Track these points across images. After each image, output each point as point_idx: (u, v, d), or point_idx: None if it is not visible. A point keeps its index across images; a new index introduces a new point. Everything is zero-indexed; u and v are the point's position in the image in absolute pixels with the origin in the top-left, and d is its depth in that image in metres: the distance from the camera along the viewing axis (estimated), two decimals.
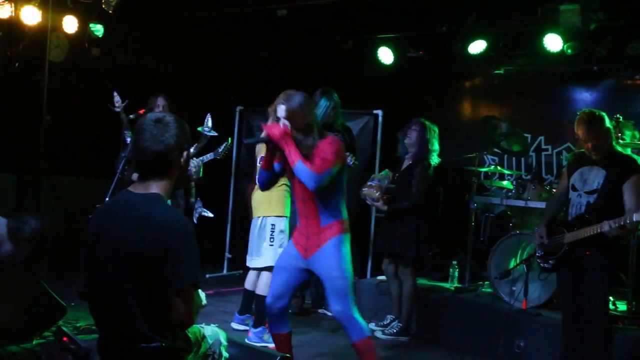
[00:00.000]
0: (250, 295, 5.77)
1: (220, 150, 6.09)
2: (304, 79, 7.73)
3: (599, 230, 4.38)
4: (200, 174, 6.12)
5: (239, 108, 8.44)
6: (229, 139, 6.18)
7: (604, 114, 4.65)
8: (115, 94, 5.96)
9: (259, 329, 5.49)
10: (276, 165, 4.29)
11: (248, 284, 5.80)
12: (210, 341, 3.14)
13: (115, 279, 2.68)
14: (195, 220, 6.80)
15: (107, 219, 2.78)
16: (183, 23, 7.85)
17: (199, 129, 6.26)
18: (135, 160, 2.84)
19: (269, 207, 5.51)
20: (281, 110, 4.05)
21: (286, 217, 5.50)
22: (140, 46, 8.26)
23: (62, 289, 4.95)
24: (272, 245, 5.44)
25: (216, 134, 6.03)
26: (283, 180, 5.39)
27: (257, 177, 5.15)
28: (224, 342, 3.26)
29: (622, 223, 4.27)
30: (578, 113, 4.77)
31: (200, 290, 3.03)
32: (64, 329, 4.35)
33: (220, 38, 8.32)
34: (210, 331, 3.24)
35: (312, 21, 7.88)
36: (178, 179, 2.85)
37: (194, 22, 7.89)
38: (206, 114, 6.06)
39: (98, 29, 7.58)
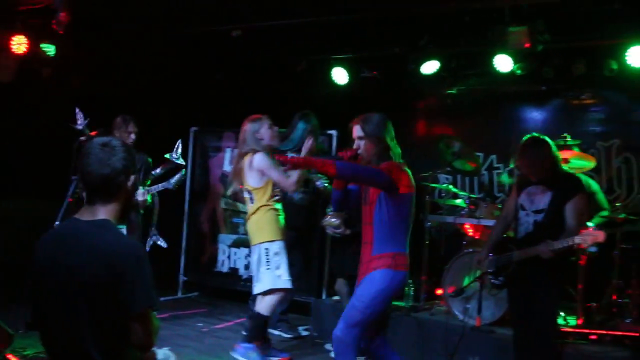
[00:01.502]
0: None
1: (172, 181, 6.06)
2: (259, 99, 7.76)
3: (538, 252, 4.50)
4: (149, 201, 6.06)
5: (193, 129, 8.40)
6: (183, 170, 6.15)
7: (545, 139, 4.76)
8: (77, 111, 5.88)
9: (250, 345, 5.47)
10: (352, 187, 4.35)
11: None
12: None
13: (68, 309, 2.64)
14: (147, 248, 6.74)
15: (55, 248, 2.74)
16: (137, 44, 7.80)
17: (167, 155, 6.24)
18: (82, 184, 2.82)
19: (260, 233, 5.52)
20: (357, 130, 4.18)
21: (280, 240, 5.50)
22: (94, 67, 8.17)
23: (8, 317, 4.84)
24: (269, 269, 5.44)
25: (184, 162, 6.04)
26: (270, 204, 5.42)
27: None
28: None
29: (558, 246, 4.40)
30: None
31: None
32: (11, 357, 4.25)
33: (174, 59, 8.28)
34: (163, 355, 3.20)
35: (266, 42, 7.89)
36: (126, 204, 2.83)
37: (148, 42, 7.84)
38: (177, 141, 6.06)
39: (50, 49, 7.47)
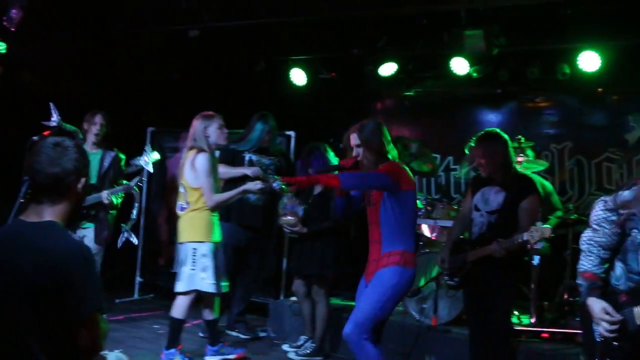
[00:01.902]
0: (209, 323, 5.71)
1: (132, 184, 5.96)
2: (216, 100, 7.71)
3: (490, 251, 4.58)
4: (115, 202, 5.98)
5: (150, 129, 8.32)
6: (144, 178, 6.08)
7: (503, 135, 4.84)
8: (52, 107, 5.79)
9: (171, 350, 5.41)
10: (353, 192, 4.44)
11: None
12: None
13: (12, 314, 2.57)
14: (119, 245, 6.66)
15: None
16: (94, 43, 7.69)
17: (135, 161, 6.13)
18: (29, 183, 2.75)
19: (191, 232, 5.43)
20: (354, 139, 4.28)
21: (211, 241, 5.40)
22: (48, 65, 8.03)
23: None
24: (193, 269, 5.33)
25: (151, 171, 5.98)
26: (205, 205, 5.38)
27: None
28: None
29: (509, 244, 4.50)
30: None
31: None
32: None
33: (131, 58, 8.19)
34: (115, 357, 3.15)
35: (224, 42, 7.87)
36: (76, 206, 2.77)
37: (104, 42, 7.75)
38: (144, 146, 6.02)
39: (1, 47, 7.31)
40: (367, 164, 4.26)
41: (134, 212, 6.08)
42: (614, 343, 2.97)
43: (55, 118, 5.78)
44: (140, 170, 6.11)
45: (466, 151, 5.26)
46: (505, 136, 4.87)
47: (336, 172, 4.36)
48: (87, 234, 5.99)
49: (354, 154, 4.29)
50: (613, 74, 6.85)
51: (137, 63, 8.22)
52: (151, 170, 5.99)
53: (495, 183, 4.83)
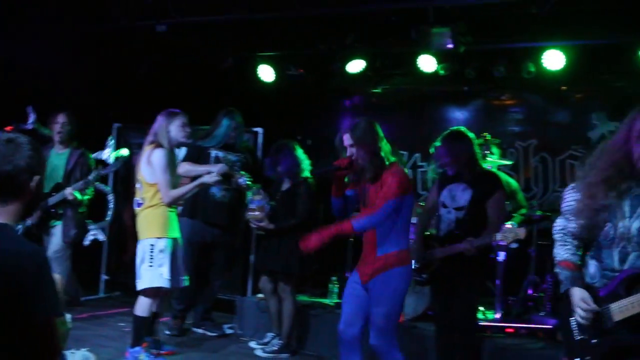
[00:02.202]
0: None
1: (90, 178, 5.87)
2: (184, 96, 7.66)
3: (460, 250, 4.66)
4: (81, 198, 5.93)
5: (116, 125, 8.24)
6: (100, 170, 5.96)
7: (467, 134, 4.90)
8: (30, 109, 5.70)
9: (136, 348, 5.36)
10: (349, 192, 4.45)
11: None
12: None
13: None
14: (87, 242, 6.68)
15: None
16: (60, 38, 7.58)
17: (102, 155, 6.08)
18: None
19: (148, 228, 5.38)
20: (347, 139, 4.30)
21: (168, 237, 5.35)
22: (13, 59, 7.90)
23: None
24: (151, 266, 5.28)
25: (113, 163, 5.92)
26: (161, 201, 5.33)
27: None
28: None
29: (480, 243, 4.59)
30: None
31: (66, 315, 2.91)
32: None
33: (97, 53, 8.09)
34: (81, 356, 3.11)
35: (191, 38, 7.81)
36: (29, 205, 2.69)
37: (70, 37, 7.64)
38: (107, 138, 5.97)
39: None
40: (362, 162, 4.28)
41: (109, 213, 6.04)
42: (593, 341, 2.97)
43: (31, 120, 5.72)
44: (106, 164, 6.05)
45: (431, 150, 5.31)
46: (470, 134, 4.93)
47: (334, 171, 4.35)
48: (54, 232, 5.93)
49: (348, 153, 4.30)
50: (576, 73, 6.94)
51: (104, 58, 8.12)
52: (112, 162, 5.92)
53: (462, 180, 4.88)
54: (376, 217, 4.18)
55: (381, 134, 4.38)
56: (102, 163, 6.10)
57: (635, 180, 2.96)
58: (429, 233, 5.27)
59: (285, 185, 6.10)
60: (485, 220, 4.77)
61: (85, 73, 8.11)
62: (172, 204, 5.38)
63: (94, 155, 6.11)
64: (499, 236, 4.53)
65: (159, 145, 5.35)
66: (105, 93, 8.31)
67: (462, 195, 4.87)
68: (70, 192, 5.79)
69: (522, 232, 4.49)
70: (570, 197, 3.18)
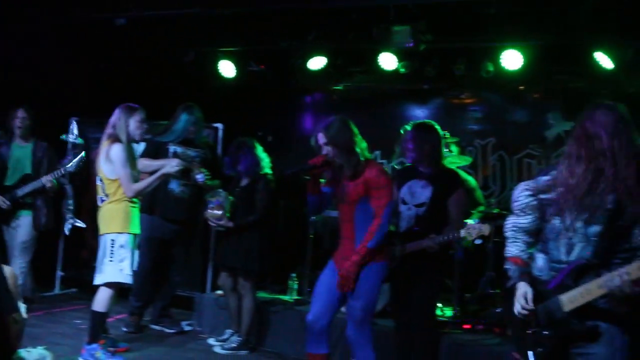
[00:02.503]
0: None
1: (73, 163, 5.89)
2: (144, 90, 7.58)
3: (422, 247, 4.73)
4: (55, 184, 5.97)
5: (74, 119, 8.12)
6: (84, 152, 5.97)
7: (437, 129, 4.98)
8: None
9: (93, 345, 5.30)
10: (325, 189, 4.53)
11: None
12: None
13: None
14: (67, 232, 6.76)
15: None
16: (18, 30, 7.44)
17: (63, 136, 6.07)
18: None
19: (109, 223, 5.35)
20: (321, 138, 4.36)
21: (129, 232, 5.32)
22: None
23: None
24: (112, 261, 5.26)
25: (82, 141, 5.88)
26: (124, 196, 5.29)
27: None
28: None
29: (443, 239, 4.66)
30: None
31: (21, 305, 2.88)
32: None
33: (55, 46, 7.95)
34: (37, 354, 3.06)
35: (152, 32, 7.72)
36: None
37: (28, 30, 7.50)
38: (70, 121, 5.91)
39: None
40: (339, 161, 4.35)
41: (70, 201, 6.08)
42: (544, 332, 3.06)
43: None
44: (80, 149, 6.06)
45: (401, 132, 5.38)
46: (440, 131, 4.99)
47: (309, 170, 4.41)
48: (22, 223, 5.96)
49: (323, 152, 4.36)
50: (534, 73, 7.04)
51: (63, 51, 7.99)
52: (81, 142, 5.93)
53: (422, 177, 4.92)
54: (384, 227, 4.30)
55: (356, 130, 4.45)
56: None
57: None
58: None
59: (244, 182, 6.08)
60: (446, 217, 4.83)
61: (43, 66, 7.98)
62: (135, 197, 5.37)
63: (63, 137, 6.14)
64: (463, 232, 4.59)
65: (117, 140, 5.31)
66: (63, 86, 8.17)
67: (422, 192, 4.91)
68: (48, 180, 5.96)
69: (486, 229, 4.56)
70: (520, 193, 3.26)
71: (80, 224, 6.16)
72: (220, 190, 5.99)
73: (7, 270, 3.01)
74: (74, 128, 5.99)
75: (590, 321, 2.98)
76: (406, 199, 4.98)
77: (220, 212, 5.89)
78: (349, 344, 4.47)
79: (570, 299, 2.97)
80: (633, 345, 3.04)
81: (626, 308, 3.05)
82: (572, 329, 3.00)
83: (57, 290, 8.02)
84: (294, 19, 7.37)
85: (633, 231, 2.96)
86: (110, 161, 5.28)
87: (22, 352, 2.85)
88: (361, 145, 4.41)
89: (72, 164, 5.97)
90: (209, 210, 5.94)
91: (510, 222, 3.31)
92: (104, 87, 8.24)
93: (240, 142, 6.06)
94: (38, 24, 7.50)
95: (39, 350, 3.07)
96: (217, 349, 6.02)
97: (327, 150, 4.35)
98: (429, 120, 5.16)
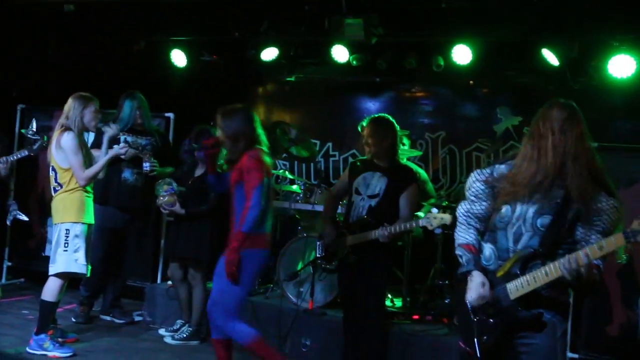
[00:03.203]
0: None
1: (35, 147, 5.82)
2: (93, 78, 7.47)
3: (374, 236, 4.76)
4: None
5: (20, 106, 7.96)
6: (45, 137, 5.87)
7: (394, 124, 5.07)
8: None
9: (41, 335, 5.25)
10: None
11: None
12: None
13: None
14: (9, 223, 6.67)
15: None
16: None
17: (23, 131, 6.00)
18: None
19: (64, 213, 5.32)
20: (218, 120, 4.54)
21: (84, 222, 5.31)
22: None
23: None
24: (66, 250, 5.24)
25: (39, 137, 5.80)
26: (78, 185, 5.25)
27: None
28: None
29: (397, 229, 4.71)
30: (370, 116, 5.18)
31: None
32: None
33: (2, 31, 7.77)
34: None
35: (102, 19, 7.59)
36: None
37: None
38: (32, 117, 5.87)
39: None
40: (227, 146, 4.57)
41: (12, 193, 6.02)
42: (490, 320, 3.12)
43: None
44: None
45: (359, 129, 5.43)
46: (397, 126, 5.07)
47: (200, 152, 4.75)
48: None
49: (218, 134, 4.58)
50: (483, 68, 7.14)
51: (9, 36, 7.81)
52: (39, 137, 5.87)
53: (378, 169, 5.00)
54: (253, 209, 4.36)
55: (255, 119, 4.62)
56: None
57: None
58: (337, 219, 5.38)
59: (199, 172, 6.06)
60: (397, 210, 4.91)
61: None
62: (87, 184, 5.36)
63: (23, 131, 6.08)
64: (424, 222, 4.67)
65: (67, 128, 5.26)
66: (9, 72, 8.00)
67: (376, 183, 4.99)
68: (4, 168, 5.90)
69: (448, 219, 4.64)
70: (475, 180, 3.33)
71: (22, 217, 6.07)
72: (171, 179, 5.97)
73: None
74: (34, 124, 5.91)
75: (535, 310, 3.06)
76: (360, 190, 5.05)
77: (173, 198, 5.88)
78: (210, 320, 4.59)
79: (517, 287, 3.05)
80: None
81: (566, 296, 3.20)
82: (518, 317, 3.07)
83: (4, 281, 7.88)
84: (247, 9, 7.34)
85: (576, 226, 3.05)
86: (61, 150, 5.25)
87: None
88: (254, 136, 4.56)
89: (35, 148, 5.89)
90: (161, 198, 5.91)
91: (464, 208, 3.35)
92: (53, 74, 8.09)
93: (201, 129, 6.04)
94: None
95: None
96: (168, 340, 6.01)
97: (220, 134, 4.58)
98: (386, 115, 5.21)
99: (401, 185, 4.94)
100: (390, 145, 5.03)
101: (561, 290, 3.10)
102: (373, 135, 5.02)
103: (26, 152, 5.92)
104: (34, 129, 5.95)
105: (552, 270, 2.94)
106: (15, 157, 6.01)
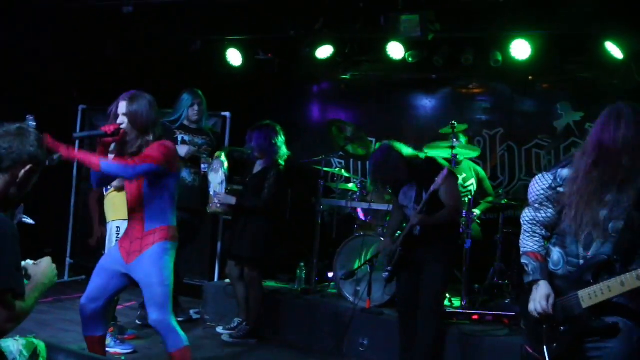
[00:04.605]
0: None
1: (55, 157, 5.85)
2: (151, 79, 7.57)
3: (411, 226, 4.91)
4: None
5: (81, 107, 8.14)
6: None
7: (394, 149, 5.05)
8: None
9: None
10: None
11: None
12: (26, 354, 2.92)
13: None
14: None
15: None
16: (23, 17, 7.43)
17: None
18: None
19: (114, 211, 5.43)
20: (122, 107, 4.10)
21: None
22: None
23: None
24: None
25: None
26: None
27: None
28: (43, 354, 3.01)
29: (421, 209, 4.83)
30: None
31: (52, 265, 2.91)
32: None
33: (63, 34, 7.95)
34: (25, 343, 3.00)
35: (159, 19, 7.70)
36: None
37: (34, 16, 7.49)
38: (26, 116, 5.89)
39: None
40: (128, 138, 4.10)
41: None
42: (561, 328, 3.04)
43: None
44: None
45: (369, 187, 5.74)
46: (397, 147, 5.06)
47: (99, 136, 4.09)
48: None
49: (118, 121, 4.10)
50: (543, 63, 7.01)
51: (70, 39, 7.99)
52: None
53: (407, 180, 5.10)
54: (128, 169, 3.98)
55: (156, 116, 4.20)
56: None
57: None
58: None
59: (257, 169, 6.09)
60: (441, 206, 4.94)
61: (50, 52, 7.99)
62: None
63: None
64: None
65: None
66: (71, 73, 8.19)
67: (412, 193, 5.06)
68: None
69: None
70: (538, 186, 3.22)
71: (29, 221, 6.08)
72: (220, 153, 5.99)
73: (44, 260, 3.01)
74: (31, 123, 5.93)
75: (609, 317, 2.94)
76: (404, 203, 5.17)
77: (223, 208, 5.90)
78: (158, 331, 4.11)
79: (590, 295, 2.94)
80: None
81: None
82: (591, 326, 2.97)
83: (66, 278, 8.08)
84: (302, 8, 7.35)
85: None
86: None
87: (9, 340, 2.81)
88: (157, 132, 4.16)
89: (55, 159, 5.89)
90: (211, 205, 5.96)
91: (529, 215, 3.25)
92: (111, 75, 8.25)
93: (263, 123, 6.07)
94: (44, 11, 7.48)
95: (29, 339, 3.00)
96: (225, 338, 6.05)
97: (122, 120, 4.09)
98: (388, 145, 5.13)
99: (429, 181, 4.82)
100: (402, 168, 5.04)
101: (639, 297, 2.95)
102: (388, 181, 5.20)
103: (46, 163, 5.89)
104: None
105: (628, 280, 2.82)
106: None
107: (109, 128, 4.06)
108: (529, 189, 3.29)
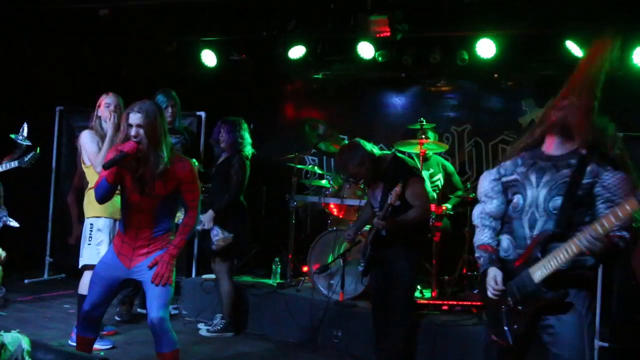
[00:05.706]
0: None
1: (26, 159, 5.91)
2: (127, 79, 7.67)
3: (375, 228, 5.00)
4: None
5: (59, 108, 8.20)
6: (37, 148, 6.00)
7: (362, 146, 5.15)
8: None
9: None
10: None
11: None
12: (11, 349, 2.99)
13: None
14: None
15: None
16: (1, 19, 7.47)
17: (12, 136, 6.04)
18: None
19: (89, 208, 5.46)
20: (135, 118, 3.98)
21: (107, 217, 5.41)
22: None
23: None
24: (89, 244, 5.38)
25: (30, 143, 5.89)
26: None
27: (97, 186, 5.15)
28: (27, 348, 3.09)
29: (384, 213, 4.92)
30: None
31: None
32: None
33: (39, 36, 8.00)
34: (11, 338, 3.07)
35: (134, 22, 7.79)
36: None
37: (10, 17, 7.53)
38: (23, 122, 5.91)
39: None
40: (146, 150, 4.01)
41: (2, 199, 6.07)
42: (519, 308, 3.22)
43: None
44: (27, 150, 6.03)
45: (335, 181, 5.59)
46: (364, 144, 5.17)
47: (124, 159, 3.99)
48: None
49: (132, 132, 3.99)
50: (507, 61, 7.21)
51: (46, 40, 8.04)
52: (29, 143, 5.93)
53: (374, 180, 5.24)
54: (198, 217, 4.28)
55: (165, 124, 4.22)
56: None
57: (539, 157, 3.32)
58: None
59: (221, 158, 6.22)
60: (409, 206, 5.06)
61: (27, 54, 8.02)
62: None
63: (12, 136, 6.09)
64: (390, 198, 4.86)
65: (86, 127, 5.43)
66: (47, 75, 8.23)
67: (379, 193, 5.17)
68: None
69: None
70: (484, 180, 3.47)
71: (13, 223, 6.10)
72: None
73: None
74: (24, 130, 5.96)
75: (561, 288, 3.14)
76: (373, 204, 5.27)
77: (225, 244, 6.01)
78: (158, 329, 4.12)
79: (539, 269, 3.13)
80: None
81: (591, 273, 3.26)
82: (545, 298, 3.15)
83: (46, 276, 8.15)
84: (275, 9, 7.48)
85: (591, 204, 3.14)
86: (82, 148, 5.38)
87: None
88: (168, 140, 4.16)
89: (26, 160, 5.90)
90: (215, 242, 6.05)
91: (478, 210, 3.51)
92: (88, 76, 8.31)
93: (228, 119, 6.21)
94: (21, 13, 7.53)
95: (13, 334, 3.05)
96: (203, 332, 6.18)
97: (137, 131, 3.99)
98: (356, 141, 5.25)
99: (394, 183, 4.94)
100: (368, 165, 5.13)
101: (585, 267, 3.17)
102: (355, 175, 5.24)
103: (16, 164, 5.88)
104: (25, 134, 5.92)
105: (571, 247, 3.00)
106: (2, 168, 5.91)
107: (131, 148, 3.96)
108: (478, 186, 3.54)
